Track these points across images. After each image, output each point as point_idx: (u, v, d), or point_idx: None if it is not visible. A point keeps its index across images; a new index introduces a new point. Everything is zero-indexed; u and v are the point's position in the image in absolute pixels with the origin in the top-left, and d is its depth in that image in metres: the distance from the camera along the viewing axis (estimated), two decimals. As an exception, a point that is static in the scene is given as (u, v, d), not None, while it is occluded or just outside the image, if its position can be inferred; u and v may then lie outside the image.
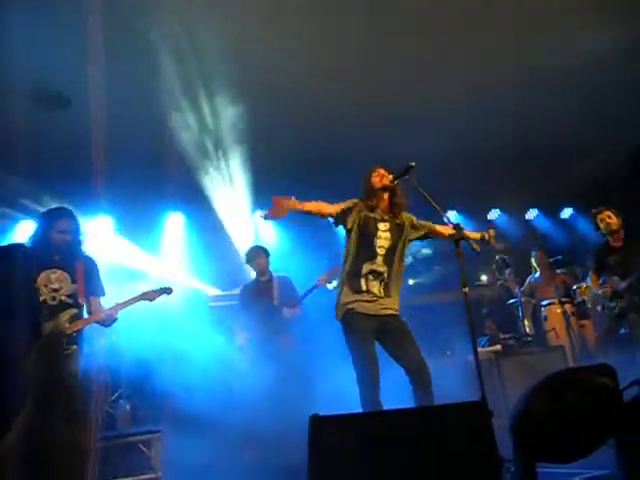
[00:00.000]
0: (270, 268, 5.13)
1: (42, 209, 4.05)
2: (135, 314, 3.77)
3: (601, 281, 4.88)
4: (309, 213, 3.20)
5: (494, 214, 8.34)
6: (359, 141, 5.88)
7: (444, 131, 5.95)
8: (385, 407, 3.03)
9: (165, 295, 3.71)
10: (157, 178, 5.67)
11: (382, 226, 3.35)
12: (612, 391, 2.12)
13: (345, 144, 5.98)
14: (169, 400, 4.66)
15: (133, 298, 3.49)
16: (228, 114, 5.34)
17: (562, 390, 2.09)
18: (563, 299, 5.91)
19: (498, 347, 5.44)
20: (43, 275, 3.21)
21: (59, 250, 3.30)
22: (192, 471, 3.75)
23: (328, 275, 4.73)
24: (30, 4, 3.91)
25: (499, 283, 6.63)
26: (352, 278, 3.28)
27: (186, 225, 7.28)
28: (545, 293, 6.20)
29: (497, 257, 6.42)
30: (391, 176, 3.37)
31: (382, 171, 3.44)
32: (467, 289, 2.84)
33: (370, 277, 3.26)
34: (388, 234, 3.34)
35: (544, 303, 6.09)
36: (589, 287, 5.25)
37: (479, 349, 3.64)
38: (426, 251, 6.74)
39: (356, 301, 3.23)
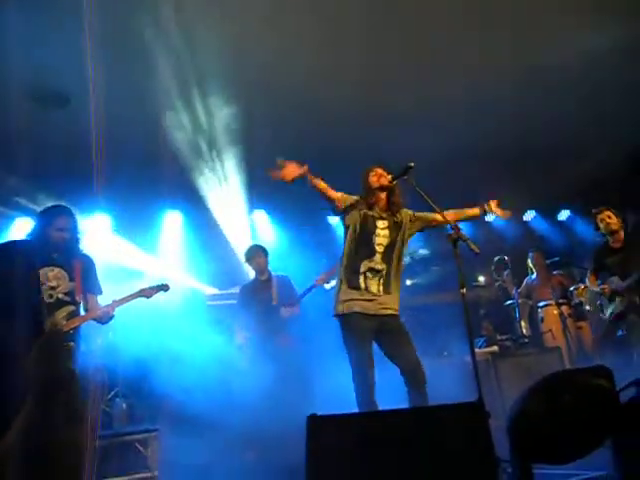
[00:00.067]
0: (269, 267, 5.13)
1: (38, 208, 4.04)
2: (132, 313, 3.76)
3: (599, 282, 4.88)
4: (315, 188, 3.28)
5: (491, 215, 8.34)
6: (357, 141, 5.88)
7: (442, 131, 5.95)
8: (379, 407, 3.04)
9: (162, 292, 3.70)
10: (155, 177, 5.66)
11: (381, 224, 3.37)
12: (609, 393, 2.13)
13: (343, 144, 5.98)
14: (166, 399, 4.66)
15: (130, 295, 3.49)
16: (224, 114, 5.33)
17: (559, 391, 2.09)
18: (560, 300, 5.93)
19: (495, 348, 5.45)
20: (41, 273, 3.21)
21: (57, 248, 3.29)
22: (189, 470, 3.74)
23: (326, 275, 4.73)
24: (30, 4, 3.90)
25: (497, 284, 6.64)
26: (350, 275, 3.29)
27: (184, 224, 7.27)
28: (542, 294, 6.20)
29: (496, 258, 6.44)
30: (390, 176, 3.38)
31: (380, 171, 3.45)
32: (465, 290, 2.83)
33: (369, 275, 3.27)
34: (387, 232, 3.36)
35: (541, 304, 6.09)
36: (587, 288, 5.25)
37: (476, 350, 3.64)
38: (423, 251, 6.74)
39: (355, 299, 3.24)
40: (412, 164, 3.16)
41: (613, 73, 5.43)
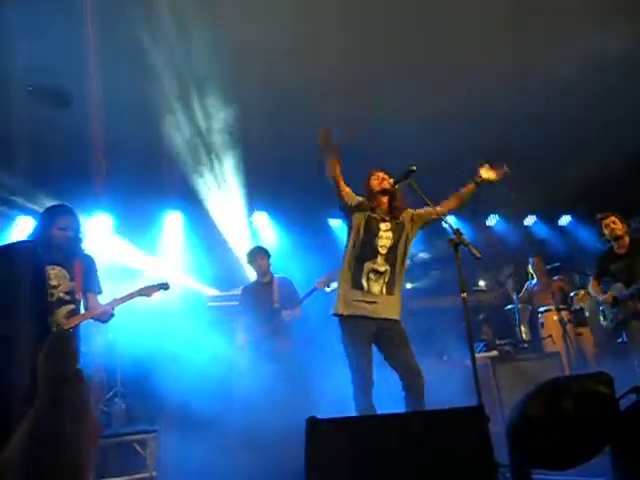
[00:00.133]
0: (271, 269, 5.13)
1: (39, 208, 4.05)
2: (133, 312, 3.76)
3: (602, 287, 4.84)
4: (333, 172, 3.35)
5: (492, 220, 8.36)
6: (356, 141, 5.86)
7: (443, 133, 5.94)
8: (377, 410, 3.06)
9: (162, 291, 3.69)
10: (156, 177, 5.66)
11: (383, 226, 3.39)
12: (609, 399, 2.13)
13: (343, 144, 5.96)
14: (166, 400, 4.65)
15: (130, 294, 3.48)
16: (224, 114, 5.34)
17: (559, 397, 2.09)
18: (560, 306, 5.90)
19: (494, 353, 5.44)
20: None
21: (60, 247, 3.30)
22: (187, 471, 3.74)
23: (327, 278, 4.72)
24: (31, 4, 3.91)
25: (501, 290, 6.65)
26: (353, 276, 3.31)
27: (185, 224, 7.26)
28: (542, 300, 6.19)
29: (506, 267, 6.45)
30: (392, 180, 3.39)
31: (381, 174, 3.47)
32: (466, 294, 2.84)
33: (371, 276, 3.29)
34: (390, 234, 3.38)
35: (541, 310, 6.08)
36: (588, 293, 5.22)
37: (475, 354, 3.64)
38: (423, 255, 6.74)
39: (357, 300, 3.25)
40: (414, 167, 3.17)
41: (616, 75, 5.39)
